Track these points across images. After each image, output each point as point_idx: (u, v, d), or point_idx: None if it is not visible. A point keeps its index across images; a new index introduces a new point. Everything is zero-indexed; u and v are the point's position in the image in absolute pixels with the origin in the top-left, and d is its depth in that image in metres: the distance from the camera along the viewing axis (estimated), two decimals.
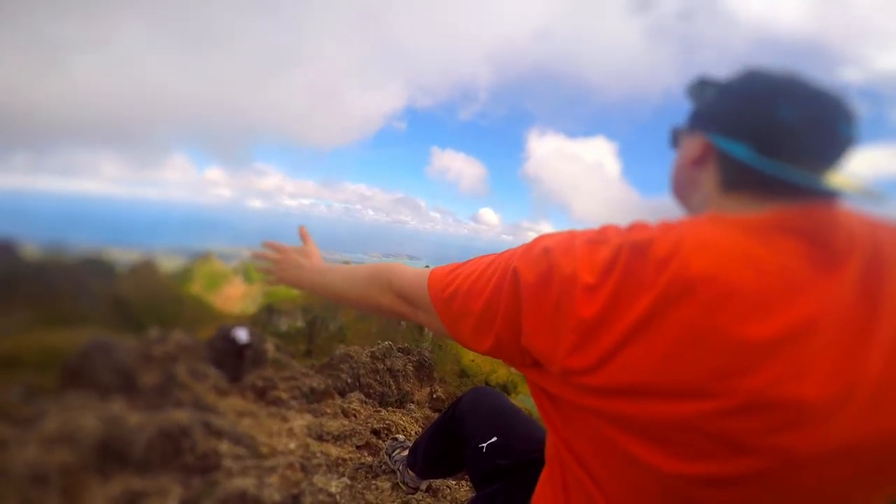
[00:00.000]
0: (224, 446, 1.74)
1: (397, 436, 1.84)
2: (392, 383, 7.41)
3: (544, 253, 0.50)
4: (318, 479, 1.54)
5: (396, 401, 7.32)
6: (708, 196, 0.55)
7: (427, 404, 7.84)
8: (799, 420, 0.40)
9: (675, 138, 0.65)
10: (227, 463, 1.65)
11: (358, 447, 2.92)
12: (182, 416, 1.75)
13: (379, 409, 4.35)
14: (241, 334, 5.98)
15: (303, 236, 1.13)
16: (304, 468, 1.76)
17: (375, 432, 3.39)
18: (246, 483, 1.50)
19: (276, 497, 1.50)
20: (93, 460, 1.45)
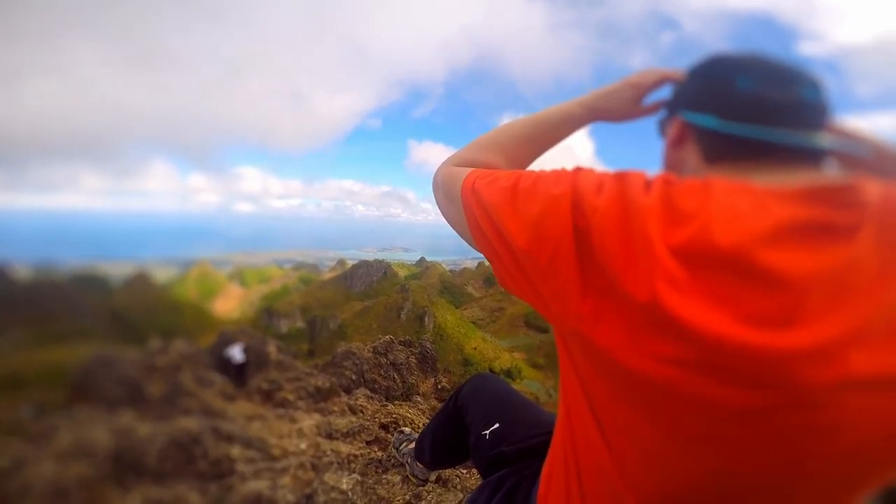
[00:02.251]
0: (236, 451, 1.77)
1: (403, 428, 1.87)
2: (396, 377, 7.46)
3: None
4: (330, 478, 1.56)
5: (402, 394, 7.37)
6: (695, 172, 0.58)
7: (433, 395, 7.90)
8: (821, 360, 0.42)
9: (661, 128, 0.69)
10: (241, 467, 1.67)
11: (367, 443, 2.96)
12: (191, 423, 1.77)
13: (385, 403, 4.38)
14: (236, 353, 5.95)
15: None
16: (314, 467, 1.78)
17: (384, 427, 3.43)
18: (259, 486, 1.53)
19: (290, 498, 1.52)
20: (110, 472, 1.47)
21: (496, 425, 1.09)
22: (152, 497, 1.42)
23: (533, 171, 0.60)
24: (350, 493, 1.54)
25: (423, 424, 3.96)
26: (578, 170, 0.54)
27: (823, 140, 0.52)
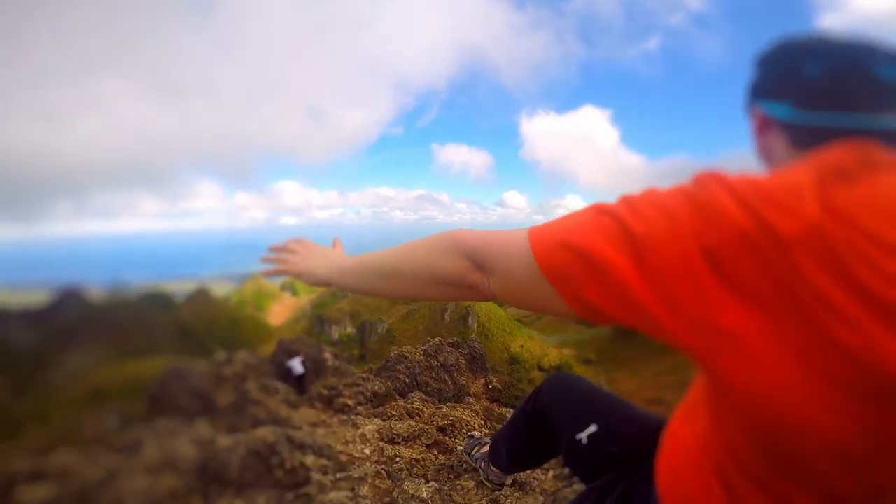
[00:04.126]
0: (309, 459, 1.80)
1: (473, 433, 1.84)
2: (447, 379, 7.49)
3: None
4: (409, 486, 1.56)
5: (454, 395, 7.40)
6: (784, 157, 0.57)
7: (484, 395, 7.88)
8: None
9: (749, 115, 0.68)
10: (316, 476, 1.70)
11: (427, 446, 2.96)
12: (267, 433, 1.82)
13: (440, 405, 4.38)
14: (297, 365, 6.19)
15: (335, 246, 1.00)
16: (389, 475, 1.78)
17: (441, 430, 3.42)
18: (340, 496, 1.54)
19: None
20: (196, 485, 1.53)
21: (593, 428, 1.04)
22: None
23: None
24: (430, 502, 1.52)
25: (479, 426, 3.92)
26: None
27: None
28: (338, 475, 1.72)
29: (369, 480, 1.73)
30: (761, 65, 0.60)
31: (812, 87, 0.52)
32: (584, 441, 1.03)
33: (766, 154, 0.62)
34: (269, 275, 0.96)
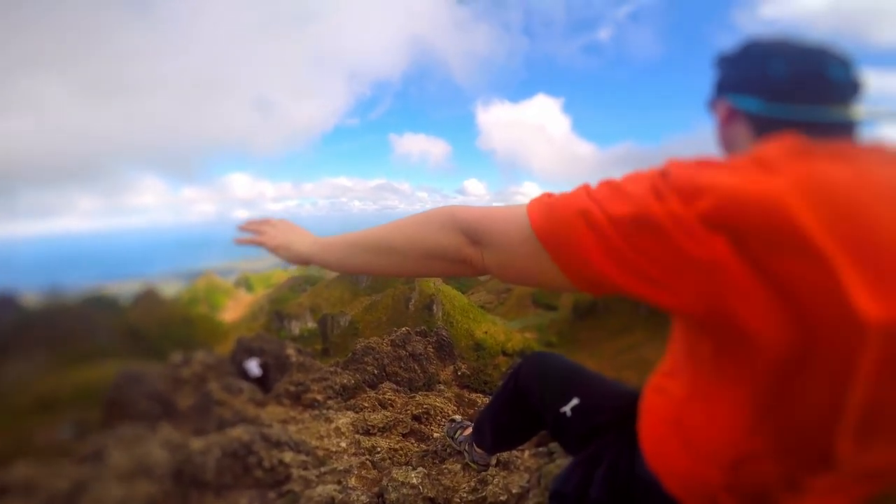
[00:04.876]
0: (288, 456, 1.74)
1: (455, 417, 1.85)
2: (417, 368, 7.49)
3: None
4: (398, 474, 1.54)
5: (424, 384, 7.41)
6: (747, 146, 0.62)
7: (454, 382, 7.95)
8: None
9: (711, 107, 0.73)
10: (297, 472, 1.65)
11: (404, 435, 2.95)
12: (241, 432, 1.74)
13: (412, 394, 4.38)
14: (253, 368, 5.97)
15: None
16: (374, 465, 1.76)
17: (416, 418, 3.42)
18: (328, 490, 1.50)
19: (364, 499, 1.50)
20: (172, 490, 1.45)
21: (575, 401, 1.06)
22: None
23: None
24: (421, 487, 1.51)
25: (453, 412, 3.96)
26: None
27: (859, 114, 0.57)
28: (322, 469, 1.68)
29: (355, 472, 1.70)
30: (728, 63, 0.66)
31: (778, 84, 0.59)
32: (569, 414, 1.05)
33: (728, 142, 0.67)
34: (243, 243, 0.91)
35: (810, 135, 0.54)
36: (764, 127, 0.60)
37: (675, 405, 0.74)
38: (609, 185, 0.57)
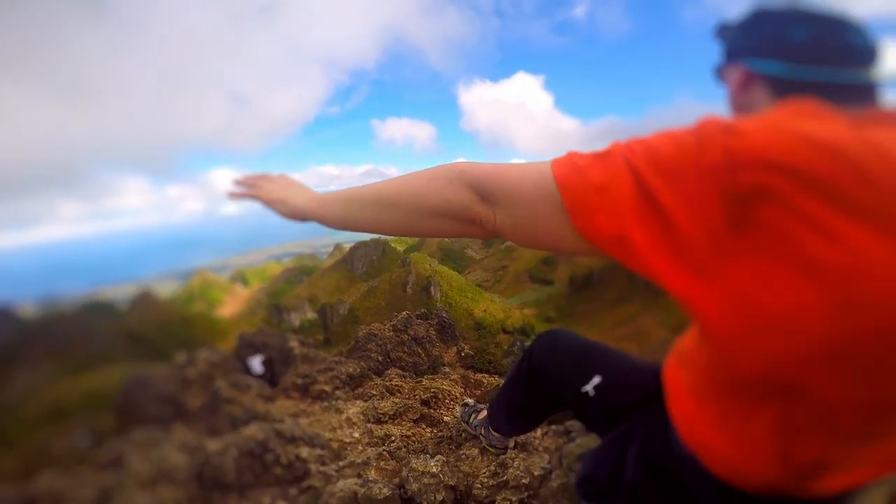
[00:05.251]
0: (304, 451, 1.76)
1: (467, 400, 1.86)
2: (421, 352, 7.54)
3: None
4: (417, 464, 1.56)
5: (429, 367, 7.47)
6: (765, 109, 0.61)
7: (458, 364, 8.02)
8: None
9: (720, 74, 0.74)
10: (315, 467, 1.66)
11: (415, 421, 2.97)
12: (255, 430, 1.75)
13: (419, 379, 4.41)
14: (256, 366, 5.96)
15: None
16: (392, 456, 1.77)
17: (425, 403, 3.44)
18: (348, 485, 1.52)
19: (386, 491, 1.52)
20: (197, 493, 1.46)
21: (597, 379, 1.05)
22: None
23: None
24: (441, 476, 1.53)
25: (460, 394, 4.00)
26: None
27: (882, 76, 0.59)
28: (340, 463, 1.69)
29: (373, 464, 1.72)
30: (743, 29, 0.67)
31: (800, 47, 0.60)
32: (592, 393, 1.04)
33: (744, 107, 0.67)
34: (237, 198, 0.88)
35: (832, 97, 0.55)
36: (784, 89, 0.61)
37: (694, 381, 0.74)
38: (641, 143, 0.54)
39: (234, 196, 0.89)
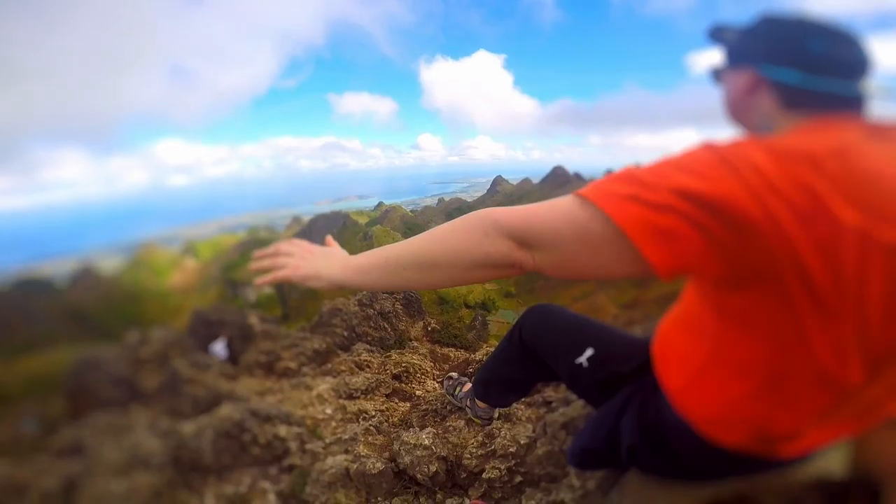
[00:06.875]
0: (282, 430, 1.70)
1: (451, 374, 1.86)
2: (387, 326, 7.49)
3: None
4: (409, 437, 1.54)
5: (395, 342, 7.46)
6: (769, 115, 0.67)
7: (425, 338, 8.06)
8: None
9: (717, 75, 0.78)
10: (295, 445, 1.62)
11: (387, 396, 2.96)
12: (230, 410, 1.67)
13: (388, 353, 4.39)
14: (220, 350, 5.69)
15: (330, 244, 0.91)
16: (378, 430, 1.75)
17: (397, 377, 3.43)
18: (339, 461, 1.48)
19: (379, 465, 1.49)
20: (175, 478, 1.38)
21: (590, 351, 1.08)
22: (227, 494, 1.36)
23: None
24: (434, 448, 1.52)
25: (430, 368, 4.02)
26: None
27: (879, 90, 0.62)
28: (327, 440, 1.65)
29: (361, 439, 1.69)
30: (756, 35, 0.70)
31: (818, 58, 0.63)
32: (585, 364, 1.08)
33: (745, 110, 0.72)
34: (266, 284, 0.85)
35: (833, 107, 0.62)
36: (792, 98, 0.65)
37: (698, 356, 0.77)
38: (671, 165, 0.57)
39: (261, 283, 0.85)
